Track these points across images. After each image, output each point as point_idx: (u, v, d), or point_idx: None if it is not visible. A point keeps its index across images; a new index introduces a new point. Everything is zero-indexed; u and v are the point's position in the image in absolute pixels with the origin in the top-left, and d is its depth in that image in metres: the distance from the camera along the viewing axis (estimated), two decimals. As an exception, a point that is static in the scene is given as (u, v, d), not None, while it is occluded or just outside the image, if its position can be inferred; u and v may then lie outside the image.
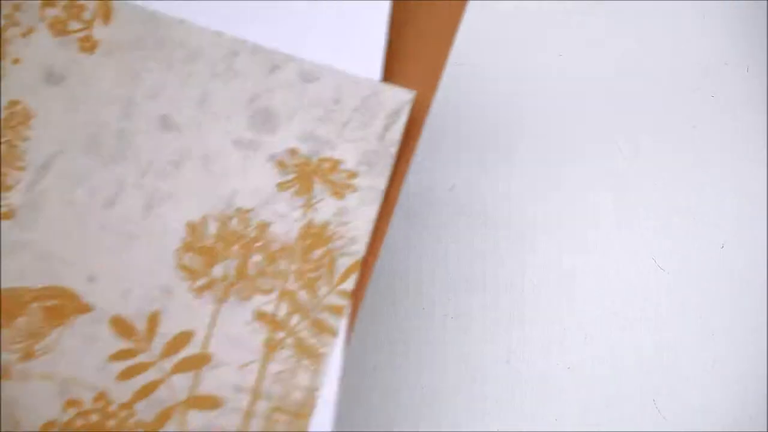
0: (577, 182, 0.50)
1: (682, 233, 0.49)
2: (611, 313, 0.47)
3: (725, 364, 0.46)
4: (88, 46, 0.37)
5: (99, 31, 0.38)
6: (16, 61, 0.37)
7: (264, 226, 0.37)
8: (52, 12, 0.38)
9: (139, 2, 0.38)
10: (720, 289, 0.47)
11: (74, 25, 0.38)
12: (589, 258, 0.48)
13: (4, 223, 0.37)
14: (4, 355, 0.36)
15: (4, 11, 0.37)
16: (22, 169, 0.37)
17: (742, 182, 0.50)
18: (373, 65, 0.37)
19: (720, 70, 0.53)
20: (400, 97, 0.37)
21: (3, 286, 0.36)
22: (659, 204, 0.50)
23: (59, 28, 0.38)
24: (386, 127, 0.37)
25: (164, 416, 0.36)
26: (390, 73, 0.38)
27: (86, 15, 0.38)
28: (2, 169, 0.37)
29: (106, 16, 0.38)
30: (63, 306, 0.36)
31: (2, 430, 0.36)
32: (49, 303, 0.36)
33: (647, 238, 0.49)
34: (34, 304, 0.37)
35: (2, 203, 0.37)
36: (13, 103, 0.37)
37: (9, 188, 0.37)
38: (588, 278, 0.47)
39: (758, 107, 0.52)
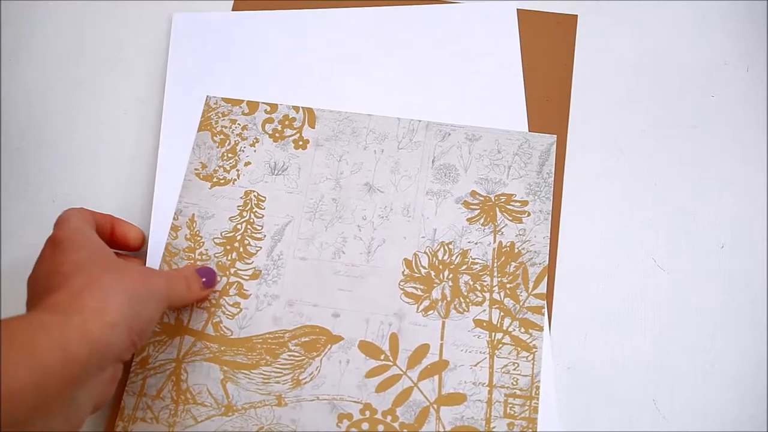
0: (576, 181, 0.49)
1: (682, 233, 0.48)
2: (611, 313, 0.46)
3: (725, 364, 0.45)
4: (301, 144, 0.48)
5: (307, 132, 0.49)
6: (247, 164, 0.48)
7: (465, 253, 0.45)
8: (271, 126, 0.49)
9: (335, 108, 0.49)
10: (720, 289, 0.47)
11: (288, 132, 0.49)
12: (590, 257, 0.47)
13: (253, 282, 0.44)
14: (276, 387, 0.42)
15: (236, 131, 0.48)
16: (260, 239, 0.46)
17: (742, 182, 0.50)
18: (521, 120, 0.49)
19: (720, 70, 0.53)
20: (546, 140, 0.48)
21: (262, 332, 0.43)
22: (659, 204, 0.49)
23: (277, 136, 0.49)
24: (541, 164, 0.48)
25: (422, 416, 0.41)
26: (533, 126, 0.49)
27: (296, 123, 0.49)
28: (244, 241, 0.46)
29: (311, 122, 0.49)
30: (317, 340, 0.43)
31: (289, 449, 0.40)
32: (304, 339, 0.43)
33: (647, 238, 0.48)
34: (292, 342, 0.43)
35: (250, 267, 0.45)
36: (247, 192, 0.47)
37: (252, 255, 0.45)
38: (588, 278, 0.46)
39: (758, 107, 0.52)
